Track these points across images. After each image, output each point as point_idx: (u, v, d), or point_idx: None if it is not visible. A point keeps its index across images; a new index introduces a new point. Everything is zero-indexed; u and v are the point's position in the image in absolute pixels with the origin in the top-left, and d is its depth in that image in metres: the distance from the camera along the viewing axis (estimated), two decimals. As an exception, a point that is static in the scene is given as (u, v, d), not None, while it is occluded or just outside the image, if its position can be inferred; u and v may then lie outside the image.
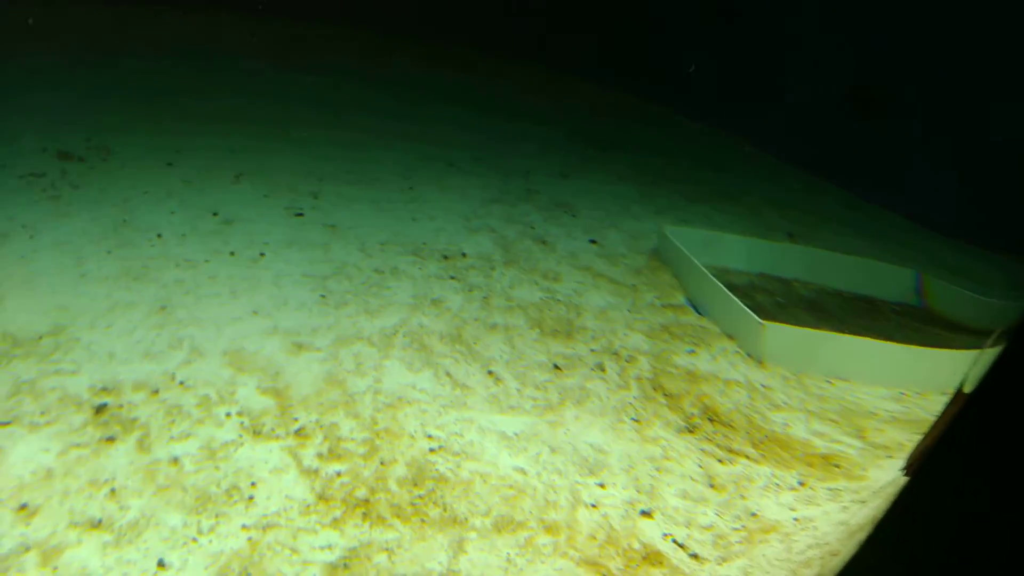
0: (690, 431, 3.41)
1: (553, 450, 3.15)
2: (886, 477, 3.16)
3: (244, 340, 3.77)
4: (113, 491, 2.72)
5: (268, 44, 12.48)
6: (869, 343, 3.91)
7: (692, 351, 4.14)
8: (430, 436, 3.15)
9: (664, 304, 4.69)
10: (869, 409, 3.75)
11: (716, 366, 3.99)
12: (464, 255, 5.07)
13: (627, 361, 3.97)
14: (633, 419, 3.44)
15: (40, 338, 3.62)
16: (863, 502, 2.93)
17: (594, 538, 2.69)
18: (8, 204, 5.15)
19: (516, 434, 3.23)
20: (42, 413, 3.08)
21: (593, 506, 2.85)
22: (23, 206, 5.16)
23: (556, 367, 3.83)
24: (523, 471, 3.00)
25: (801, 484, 3.11)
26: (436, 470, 2.95)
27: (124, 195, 5.51)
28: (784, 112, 8.94)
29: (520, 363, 3.81)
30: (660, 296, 4.81)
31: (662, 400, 3.63)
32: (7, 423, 2.99)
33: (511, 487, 2.90)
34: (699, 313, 4.56)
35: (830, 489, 3.09)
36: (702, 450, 3.28)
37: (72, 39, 11.00)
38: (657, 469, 3.12)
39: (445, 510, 2.76)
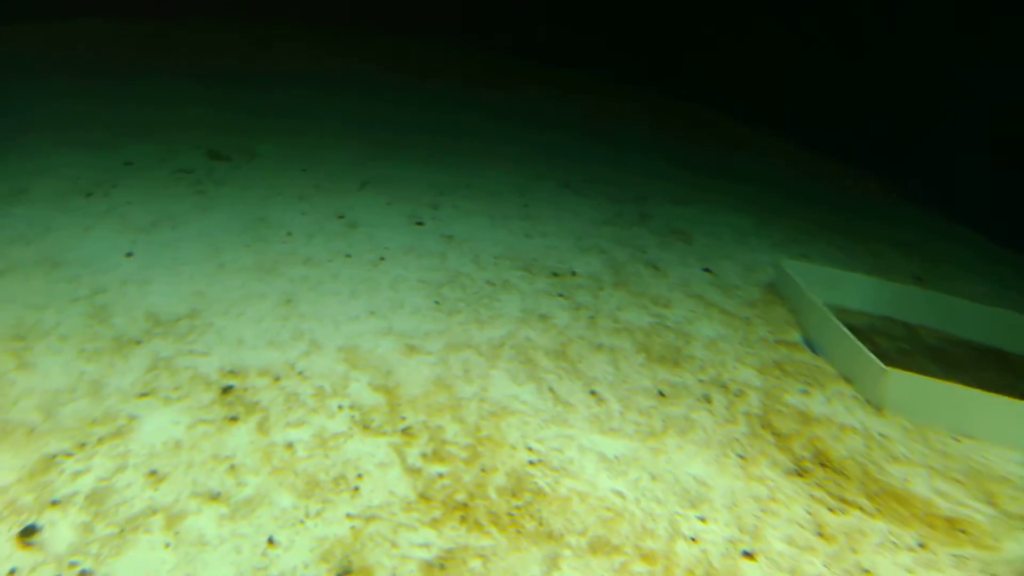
0: (799, 475, 3.25)
1: (654, 477, 3.09)
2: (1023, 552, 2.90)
3: (360, 338, 3.92)
4: (232, 467, 2.89)
5: (377, 67, 13.03)
6: (1003, 401, 3.61)
7: (805, 391, 3.96)
8: (530, 449, 3.17)
9: (778, 340, 4.52)
10: (1001, 473, 3.46)
11: (831, 409, 3.80)
12: (574, 273, 5.08)
13: (735, 395, 3.84)
14: (739, 455, 3.33)
15: (179, 320, 3.91)
16: None
17: (692, 573, 2.61)
18: (159, 197, 5.61)
19: (616, 457, 3.19)
20: (175, 389, 3.32)
21: (693, 540, 2.77)
22: (172, 199, 5.62)
23: (661, 394, 3.76)
24: (622, 495, 2.96)
25: (921, 546, 2.90)
26: (535, 483, 2.96)
27: (262, 195, 5.89)
28: (918, 152, 8.46)
29: (624, 386, 3.77)
30: (774, 331, 4.64)
31: (770, 439, 3.49)
32: (145, 394, 3.25)
33: (609, 509, 2.86)
34: (815, 352, 4.37)
35: (955, 556, 2.86)
36: (811, 496, 3.12)
37: (213, 60, 11.88)
38: (762, 510, 2.99)
39: (541, 524, 2.76)
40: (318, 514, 2.74)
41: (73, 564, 2.39)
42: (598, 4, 13.06)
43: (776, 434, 3.54)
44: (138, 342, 3.65)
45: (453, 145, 8.09)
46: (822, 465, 3.35)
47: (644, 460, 3.19)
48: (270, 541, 2.60)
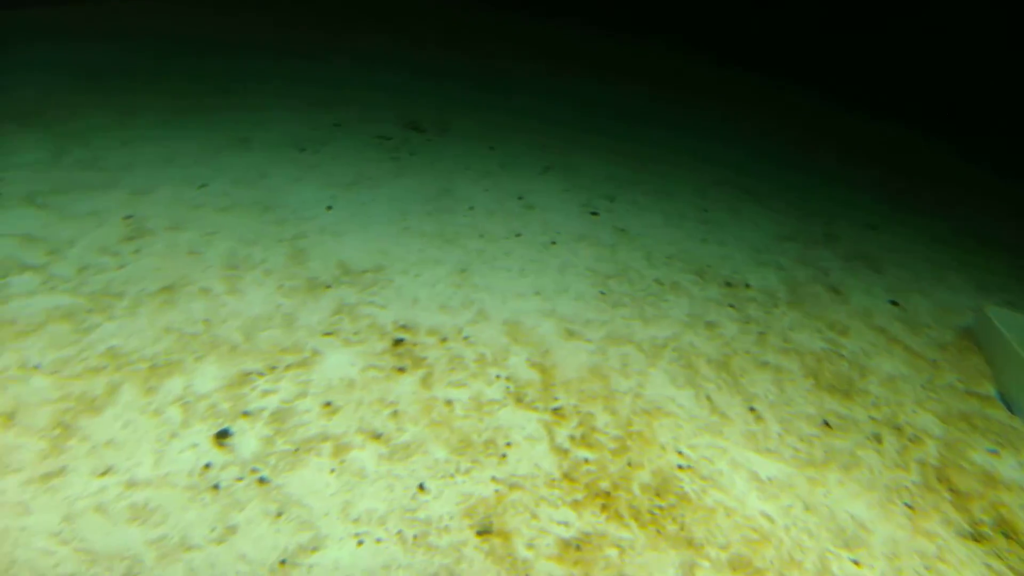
0: (975, 539, 2.94)
1: (807, 507, 2.93)
2: None
3: (523, 315, 4.02)
4: (395, 413, 3.08)
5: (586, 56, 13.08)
6: None
7: (995, 451, 3.56)
8: (680, 453, 3.10)
9: (968, 390, 4.09)
10: None
11: (1025, 477, 3.39)
12: (748, 286, 4.88)
13: (911, 440, 3.53)
14: (907, 504, 3.06)
15: (364, 272, 4.21)
16: None
17: (838, 613, 2.45)
18: (360, 158, 6.05)
19: (769, 478, 3.05)
20: (355, 333, 3.58)
21: (842, 580, 2.60)
22: (370, 162, 6.03)
23: (826, 424, 3.54)
24: (770, 518, 2.82)
25: (1119, 647, 2.53)
26: (681, 487, 2.90)
27: (450, 167, 6.18)
28: None
29: (786, 408, 3.58)
30: (964, 380, 4.20)
31: (946, 494, 3.18)
32: (329, 333, 3.53)
33: (755, 530, 2.75)
34: (1012, 412, 3.91)
35: None
36: (987, 564, 2.82)
37: (419, 27, 12.50)
38: (927, 568, 2.74)
39: (682, 529, 2.70)
40: (467, 472, 2.86)
41: (254, 470, 2.67)
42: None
43: (953, 491, 3.21)
44: (328, 286, 3.98)
45: (637, 145, 8.03)
46: (1005, 535, 3.00)
47: (799, 488, 3.03)
48: (421, 487, 2.75)
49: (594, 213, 5.69)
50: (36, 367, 2.90)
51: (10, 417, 2.65)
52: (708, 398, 3.54)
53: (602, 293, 4.44)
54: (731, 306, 4.56)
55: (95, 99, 6.46)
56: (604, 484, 2.87)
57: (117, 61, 7.84)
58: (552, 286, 4.43)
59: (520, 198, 5.78)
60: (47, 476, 2.47)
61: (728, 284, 4.87)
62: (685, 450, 3.12)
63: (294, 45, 9.77)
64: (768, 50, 12.98)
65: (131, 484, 2.50)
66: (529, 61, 11.31)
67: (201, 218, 4.48)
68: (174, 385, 2.97)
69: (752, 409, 3.52)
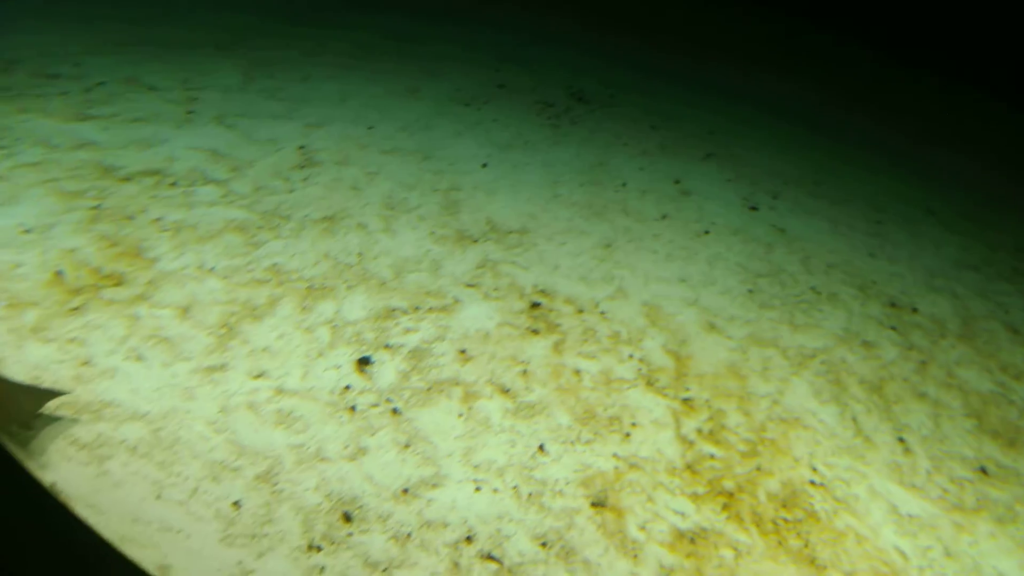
0: None
1: (948, 553, 2.68)
2: None
3: (664, 300, 3.91)
4: (525, 372, 3.10)
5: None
6: None
7: None
8: (815, 469, 2.92)
9: None
10: None
11: None
12: (915, 310, 4.50)
13: (1085, 509, 3.14)
14: (1070, 576, 2.73)
15: (511, 232, 4.24)
16: None
17: (973, 673, 2.24)
18: (520, 121, 6.08)
19: (910, 515, 2.81)
20: (495, 289, 3.63)
21: (983, 639, 2.36)
22: (530, 126, 6.05)
23: (983, 470, 3.21)
24: (905, 555, 2.61)
25: None
26: (810, 504, 2.74)
27: (607, 141, 6.09)
28: None
29: (940, 445, 3.28)
30: None
31: (1120, 577, 2.80)
32: (471, 285, 3.60)
33: (886, 564, 2.55)
34: None
35: None
36: None
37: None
38: (1084, 649, 2.44)
39: (806, 546, 2.55)
40: (588, 442, 2.83)
41: (388, 400, 2.77)
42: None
43: None
44: (475, 241, 4.04)
45: (816, 147, 7.56)
46: None
47: (942, 531, 2.77)
48: (541, 448, 2.76)
49: (754, 208, 5.43)
50: (211, 270, 3.15)
51: (186, 311, 2.90)
52: (854, 419, 3.31)
53: (750, 291, 4.24)
54: (893, 328, 4.22)
55: (285, 39, 6.88)
56: (728, 484, 2.76)
57: (311, 4, 8.30)
58: (698, 276, 4.28)
59: (676, 182, 5.61)
60: (210, 369, 2.68)
61: (893, 304, 4.51)
62: (820, 467, 2.94)
63: (474, 13, 9.94)
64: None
65: (280, 391, 2.66)
66: (709, 54, 10.90)
67: (366, 157, 4.67)
68: (326, 308, 3.13)
69: (901, 440, 3.26)
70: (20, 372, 2.48)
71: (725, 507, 2.64)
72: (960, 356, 4.10)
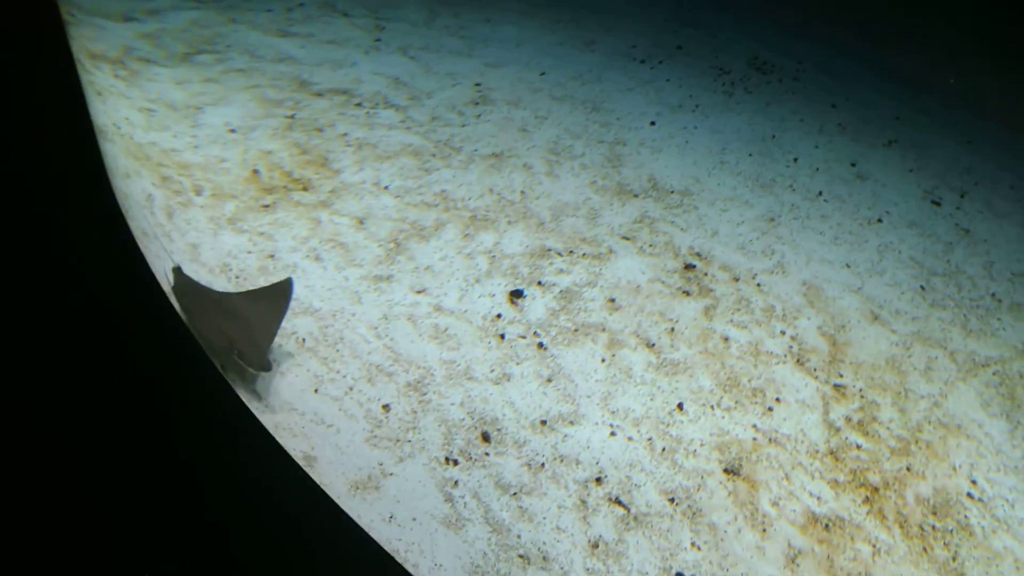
0: None
1: (1124, 601, 2.42)
2: None
3: (826, 282, 3.72)
4: (672, 330, 3.07)
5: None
6: None
7: None
8: (974, 482, 2.72)
9: None
10: None
11: None
12: (1113, 336, 4.01)
13: None
14: None
15: (671, 192, 4.15)
16: None
17: None
18: (694, 84, 5.88)
19: (1081, 551, 2.56)
20: (650, 245, 3.58)
21: None
22: (703, 90, 5.84)
23: None
24: (1070, 591, 2.39)
25: None
26: (964, 517, 2.55)
27: (783, 115, 5.77)
28: None
29: None
30: None
31: None
32: (627, 238, 3.57)
33: (1045, 595, 2.35)
34: None
35: None
36: None
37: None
38: None
39: (954, 559, 2.39)
40: (728, 409, 2.78)
41: (536, 334, 2.84)
42: None
43: None
44: (635, 195, 4.00)
45: (1014, 139, 6.81)
46: None
47: (1119, 576, 2.51)
48: (679, 406, 2.73)
49: (936, 203, 5.00)
50: (386, 188, 3.32)
51: (361, 221, 3.08)
52: (1024, 439, 3.03)
53: (922, 288, 3.94)
54: (1084, 352, 3.80)
55: (471, -24, 6.98)
56: (873, 477, 2.62)
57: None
58: (865, 264, 4.02)
59: (853, 164, 5.25)
60: (378, 278, 2.85)
61: (1087, 327, 4.04)
62: (981, 481, 2.73)
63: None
64: None
65: (438, 308, 2.79)
66: (904, 39, 10.00)
67: (537, 101, 4.70)
68: (486, 239, 3.22)
69: (1079, 471, 2.95)
70: (213, 258, 2.75)
71: (867, 501, 2.52)
72: None
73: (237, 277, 2.67)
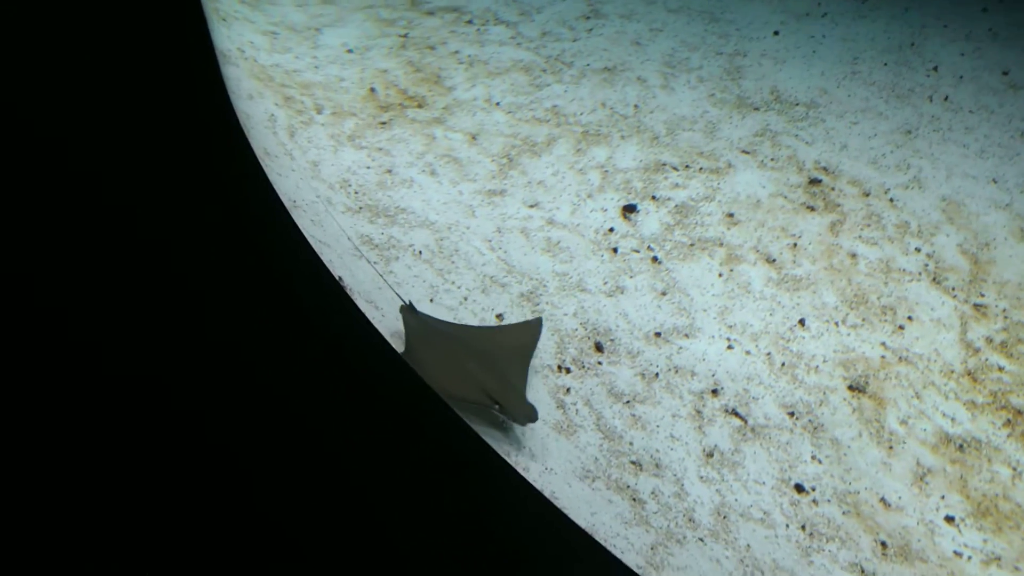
0: None
1: None
2: None
3: (968, 198, 3.43)
4: (795, 246, 2.93)
5: None
6: None
7: None
8: None
9: None
10: None
11: None
12: None
13: None
14: None
15: (796, 105, 3.90)
16: None
17: None
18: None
19: None
20: (772, 159, 3.40)
21: None
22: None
23: None
24: None
25: None
26: (1122, 442, 2.35)
27: (923, 20, 5.24)
28: None
29: None
30: None
31: None
32: (747, 152, 3.41)
33: None
34: None
35: None
36: None
37: None
38: None
39: (1108, 484, 2.22)
40: (854, 327, 2.65)
41: (650, 248, 2.79)
42: None
43: None
44: (756, 108, 3.79)
45: None
46: None
47: None
48: (801, 322, 2.63)
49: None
50: (497, 104, 3.30)
51: (474, 137, 3.10)
52: None
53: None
54: None
55: None
56: (1017, 400, 2.44)
57: None
58: (1016, 178, 3.66)
59: (1005, 73, 4.73)
60: (491, 192, 2.87)
61: None
62: None
63: None
64: None
65: (550, 222, 2.79)
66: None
67: (651, 13, 4.49)
68: (599, 153, 3.16)
69: None
70: (334, 174, 2.85)
71: (1008, 423, 2.36)
72: None
73: (356, 192, 2.76)
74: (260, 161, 2.75)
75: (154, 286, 1.89)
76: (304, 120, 2.98)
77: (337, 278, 2.42)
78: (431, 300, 2.47)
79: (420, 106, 3.19)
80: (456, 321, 2.36)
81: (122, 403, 1.54)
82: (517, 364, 2.19)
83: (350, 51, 3.40)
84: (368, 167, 2.87)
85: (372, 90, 3.21)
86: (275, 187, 2.65)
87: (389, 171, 2.86)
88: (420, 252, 2.61)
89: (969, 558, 2.01)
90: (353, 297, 2.36)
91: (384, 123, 3.06)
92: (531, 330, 2.26)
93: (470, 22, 3.83)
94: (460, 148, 3.01)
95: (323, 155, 2.88)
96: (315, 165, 2.82)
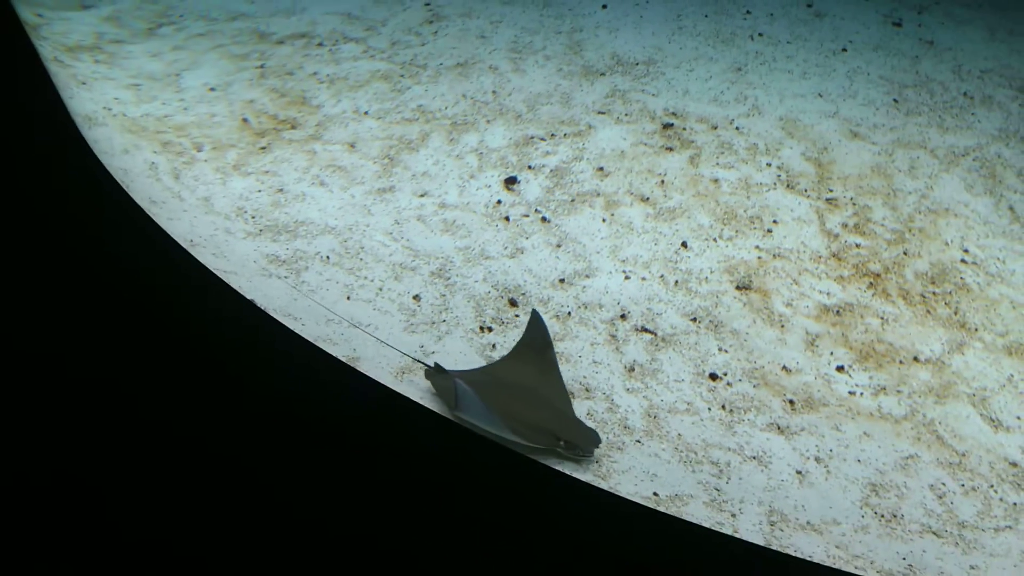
0: None
1: (1117, 318, 2.64)
2: None
3: (801, 114, 3.86)
4: (662, 182, 3.23)
5: None
6: None
7: None
8: (966, 250, 2.91)
9: None
10: None
11: None
12: (1085, 104, 4.15)
13: None
14: None
15: (637, 64, 4.25)
16: None
17: None
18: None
19: (1074, 287, 2.77)
20: (626, 114, 3.72)
21: None
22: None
23: None
24: (1067, 320, 2.60)
25: None
26: (961, 279, 2.76)
27: (731, -28, 5.78)
28: None
29: (1112, 228, 3.14)
30: None
31: None
32: (602, 112, 3.71)
33: (1045, 326, 2.57)
34: None
35: None
36: None
37: None
38: None
39: (956, 313, 2.60)
40: (729, 239, 2.96)
41: (537, 211, 3.01)
42: None
43: None
44: (602, 74, 4.11)
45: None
46: None
47: (1111, 299, 2.72)
48: (684, 244, 2.92)
49: (897, 24, 5.07)
50: (366, 113, 3.45)
51: (352, 145, 3.23)
52: (1011, 208, 3.22)
53: (895, 101, 4.07)
54: (1058, 122, 3.95)
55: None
56: (874, 266, 2.82)
57: None
58: (837, 90, 4.14)
59: (808, 6, 5.30)
60: (381, 191, 3.01)
61: (1058, 102, 4.18)
62: (972, 248, 2.92)
63: None
64: None
65: (442, 205, 2.96)
66: None
67: (487, 9, 4.76)
68: (471, 139, 3.36)
69: (1065, 223, 3.14)
70: (227, 204, 2.91)
71: (871, 286, 2.72)
72: None
73: (253, 216, 2.84)
74: (147, 211, 2.77)
75: (62, 374, 1.89)
76: (186, 160, 3.02)
77: (250, 301, 2.49)
78: (348, 298, 2.58)
79: (294, 127, 3.29)
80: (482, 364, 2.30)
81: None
82: (551, 378, 2.15)
83: (213, 89, 3.45)
84: (259, 191, 2.95)
85: (245, 120, 3.28)
86: (168, 232, 2.69)
87: (280, 190, 2.95)
88: (328, 257, 2.71)
89: (861, 394, 2.33)
90: (272, 315, 2.44)
91: (264, 147, 3.14)
92: (538, 331, 2.23)
93: (320, 44, 3.95)
94: (342, 157, 3.14)
95: (213, 189, 2.93)
96: (207, 200, 2.87)
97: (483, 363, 2.38)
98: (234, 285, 2.51)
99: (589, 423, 2.15)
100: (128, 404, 1.85)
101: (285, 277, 2.62)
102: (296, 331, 2.39)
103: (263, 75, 3.58)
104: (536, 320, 2.27)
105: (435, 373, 2.22)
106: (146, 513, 1.58)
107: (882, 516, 2.02)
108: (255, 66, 3.62)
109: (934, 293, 2.68)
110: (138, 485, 1.63)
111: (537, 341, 2.22)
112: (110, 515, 1.55)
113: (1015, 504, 2.09)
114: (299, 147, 3.15)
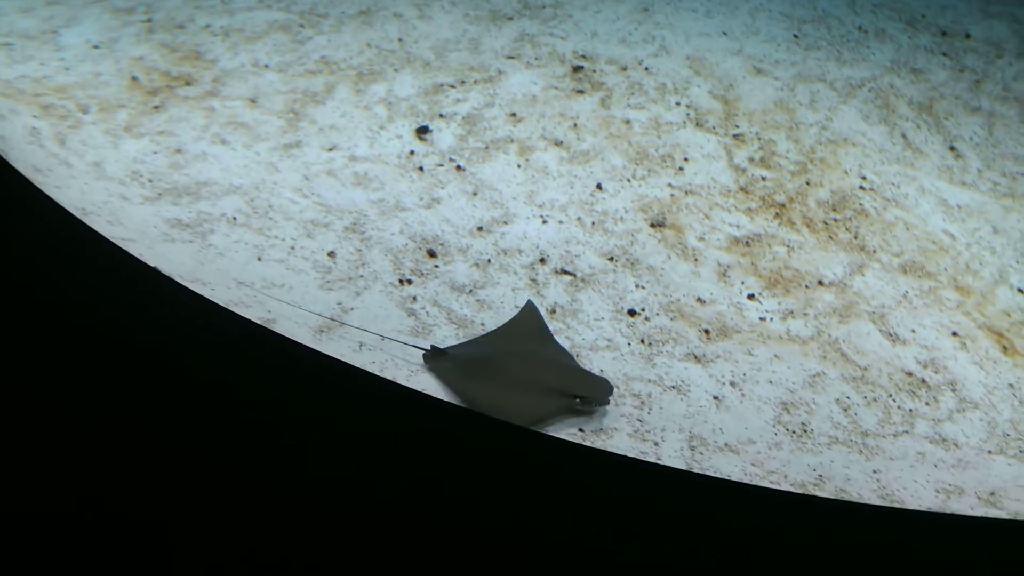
0: None
1: (996, 231, 2.83)
2: None
3: (707, 52, 3.91)
4: (575, 126, 3.23)
5: None
6: None
7: None
8: (864, 177, 3.05)
9: None
10: None
11: None
12: (968, 36, 4.37)
13: None
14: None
15: (544, 7, 4.20)
16: None
17: (1008, 315, 2.45)
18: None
19: (959, 205, 2.95)
20: (536, 59, 3.68)
21: (1020, 291, 2.56)
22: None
23: (1037, 167, 3.28)
24: (952, 236, 2.78)
25: None
26: (860, 204, 2.89)
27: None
28: None
29: (993, 149, 3.34)
30: None
31: None
32: (511, 57, 3.66)
33: (933, 243, 2.73)
34: None
35: None
36: None
37: None
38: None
39: (856, 237, 2.73)
40: (642, 178, 3.01)
41: (452, 160, 2.97)
42: None
43: None
44: (509, 18, 4.04)
45: None
46: None
47: (991, 214, 2.91)
48: (599, 186, 2.95)
49: (794, -41, 5.17)
50: (266, 66, 3.29)
51: (253, 100, 3.09)
52: (903, 136, 3.37)
53: (795, 37, 4.18)
54: (944, 55, 4.14)
55: None
56: (780, 197, 2.92)
57: None
58: (740, 28, 4.21)
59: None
60: (288, 146, 2.90)
61: (944, 33, 4.38)
62: (870, 175, 3.06)
63: None
64: None
65: (353, 159, 2.88)
66: None
67: (391, -45, 4.59)
68: (378, 89, 3.27)
69: (952, 148, 3.32)
70: (120, 169, 2.74)
71: (777, 216, 2.82)
72: (1018, 72, 4.03)
73: (150, 180, 2.69)
74: (31, 180, 2.59)
75: None
76: (71, 124, 2.82)
77: (153, 268, 2.37)
78: (259, 259, 2.49)
79: (188, 83, 3.12)
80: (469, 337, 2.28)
81: None
82: (550, 343, 2.16)
83: (96, 46, 3.22)
84: (155, 152, 2.79)
85: (134, 78, 3.09)
86: (57, 201, 2.53)
87: (178, 151, 2.80)
88: (235, 218, 2.61)
89: (771, 319, 2.43)
90: (178, 280, 2.34)
91: (157, 107, 2.97)
92: (530, 313, 2.26)
93: (213, -6, 3.74)
94: (243, 113, 3.00)
95: (104, 153, 2.76)
96: (97, 165, 2.70)
97: (404, 315, 2.36)
98: (134, 252, 2.39)
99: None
100: (24, 386, 1.75)
101: (190, 241, 2.51)
102: (206, 296, 2.30)
103: (151, 29, 3.36)
104: (528, 307, 2.30)
105: (433, 356, 2.17)
106: (56, 490, 1.51)
107: (793, 432, 2.13)
108: (142, 20, 3.40)
109: (835, 220, 2.80)
110: (42, 465, 1.56)
111: (529, 320, 2.24)
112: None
113: (911, 410, 2.24)
114: (196, 104, 2.99)
